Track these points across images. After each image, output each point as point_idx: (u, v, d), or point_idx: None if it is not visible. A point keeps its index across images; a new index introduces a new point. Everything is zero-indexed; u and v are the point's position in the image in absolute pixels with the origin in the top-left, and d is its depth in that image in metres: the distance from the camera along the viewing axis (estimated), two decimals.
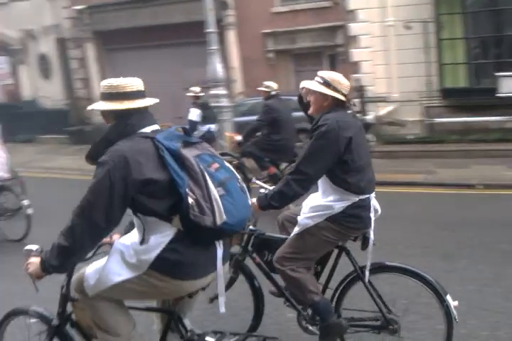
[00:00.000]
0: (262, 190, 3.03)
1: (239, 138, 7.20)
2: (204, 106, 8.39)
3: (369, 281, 2.94)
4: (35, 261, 2.20)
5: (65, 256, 2.12)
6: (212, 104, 9.18)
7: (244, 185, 2.29)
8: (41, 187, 9.06)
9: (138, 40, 14.77)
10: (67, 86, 17.04)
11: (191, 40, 13.59)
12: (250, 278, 3.22)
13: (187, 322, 2.43)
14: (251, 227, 3.15)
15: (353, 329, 3.00)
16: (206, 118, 8.27)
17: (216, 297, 3.02)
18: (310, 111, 2.98)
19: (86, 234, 2.05)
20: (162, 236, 2.11)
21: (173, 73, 14.12)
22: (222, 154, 8.29)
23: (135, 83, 2.23)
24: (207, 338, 2.26)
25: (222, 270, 2.19)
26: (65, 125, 15.64)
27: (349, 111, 2.96)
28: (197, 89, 8.55)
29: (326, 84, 2.82)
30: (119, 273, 2.18)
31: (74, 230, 2.06)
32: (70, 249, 2.08)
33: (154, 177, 2.02)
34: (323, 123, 2.78)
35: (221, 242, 2.19)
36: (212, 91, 9.53)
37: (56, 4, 16.19)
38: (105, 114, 2.26)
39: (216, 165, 2.17)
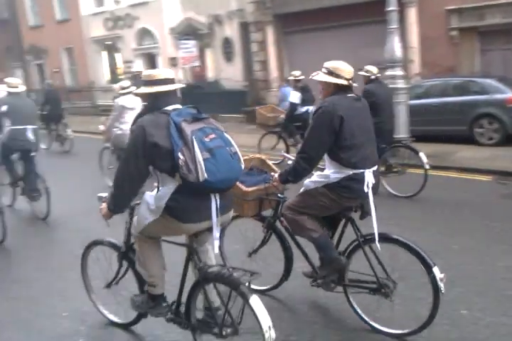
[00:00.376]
0: (289, 162, 3.53)
1: None
2: (304, 90, 8.96)
3: (372, 249, 3.36)
4: (104, 205, 3.05)
5: (115, 201, 2.96)
6: (391, 86, 8.89)
7: (239, 153, 2.85)
8: None
9: (314, 21, 14.89)
10: (247, 68, 17.94)
11: (369, 20, 13.32)
12: (281, 237, 3.84)
13: (204, 256, 3.12)
14: (279, 195, 3.72)
15: (356, 290, 3.48)
16: (305, 101, 8.87)
17: (254, 251, 3.94)
18: (320, 97, 3.44)
19: (125, 182, 2.85)
20: (168, 189, 2.80)
21: (348, 53, 13.98)
22: None
23: (164, 72, 2.93)
24: (212, 269, 2.91)
25: (216, 218, 2.81)
26: (243, 105, 16.54)
27: (349, 95, 3.33)
28: (297, 73, 9.15)
29: (330, 73, 3.28)
30: (146, 217, 2.93)
31: (117, 180, 2.88)
32: (116, 195, 2.94)
33: (161, 143, 2.68)
34: (321, 105, 3.28)
35: (217, 196, 2.81)
36: (388, 72, 9.24)
37: None
38: (143, 96, 3.00)
39: (212, 136, 2.75)
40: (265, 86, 17.10)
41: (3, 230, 5.83)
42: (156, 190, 2.91)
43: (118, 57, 23.39)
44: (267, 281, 3.96)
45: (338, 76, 3.25)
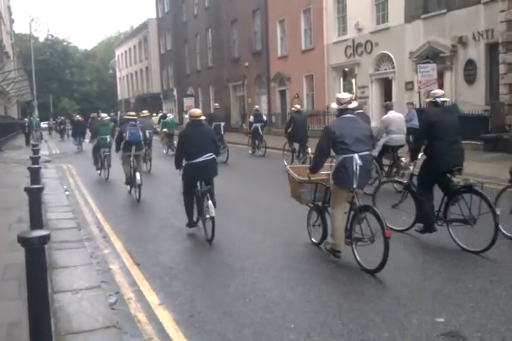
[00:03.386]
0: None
1: None
2: None
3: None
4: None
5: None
6: None
7: (141, 134, 10.71)
8: None
9: None
10: (491, 91, 16.44)
11: None
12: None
13: (137, 162, 10.84)
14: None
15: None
16: None
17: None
18: None
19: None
20: (123, 142, 11.03)
21: None
22: None
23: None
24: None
25: (133, 151, 10.60)
26: (482, 131, 15.12)
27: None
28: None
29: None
30: None
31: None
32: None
33: (124, 134, 10.74)
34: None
35: (134, 146, 10.54)
36: None
37: (492, 8, 15.75)
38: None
39: (134, 130, 10.53)
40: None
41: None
42: None
43: (353, 83, 23.78)
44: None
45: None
